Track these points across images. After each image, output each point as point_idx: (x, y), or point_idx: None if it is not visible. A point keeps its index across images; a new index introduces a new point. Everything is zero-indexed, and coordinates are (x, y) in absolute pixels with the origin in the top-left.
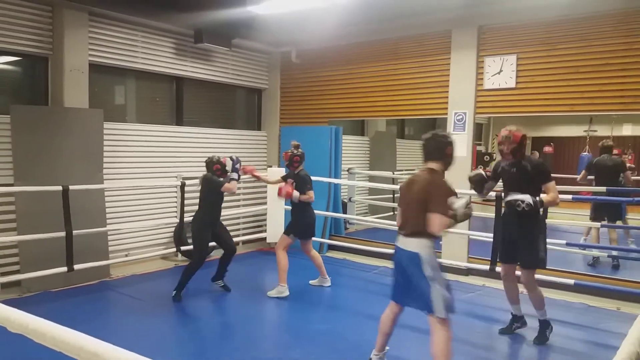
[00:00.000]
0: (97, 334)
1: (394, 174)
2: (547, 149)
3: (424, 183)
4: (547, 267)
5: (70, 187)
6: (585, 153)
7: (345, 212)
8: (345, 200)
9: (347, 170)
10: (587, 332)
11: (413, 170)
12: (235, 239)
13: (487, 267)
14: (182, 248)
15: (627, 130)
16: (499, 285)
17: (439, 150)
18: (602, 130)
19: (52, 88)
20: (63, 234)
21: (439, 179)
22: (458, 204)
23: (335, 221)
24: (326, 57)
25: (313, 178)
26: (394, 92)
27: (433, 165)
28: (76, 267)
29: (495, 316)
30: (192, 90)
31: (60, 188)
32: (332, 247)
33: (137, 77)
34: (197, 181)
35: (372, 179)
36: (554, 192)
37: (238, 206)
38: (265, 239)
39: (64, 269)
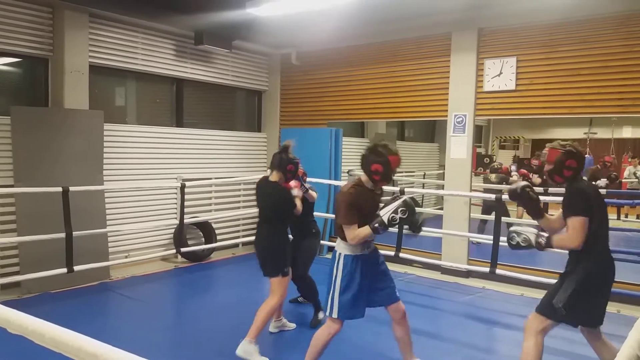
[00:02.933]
0: (97, 335)
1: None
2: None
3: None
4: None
5: (71, 189)
6: (586, 155)
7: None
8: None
9: (347, 172)
10: None
11: (413, 172)
12: (235, 241)
13: (487, 270)
14: (182, 250)
15: (627, 132)
16: (499, 287)
17: (366, 165)
18: (601, 133)
19: (53, 89)
20: (63, 235)
21: (346, 189)
22: (385, 210)
23: (335, 223)
24: (326, 59)
25: (314, 180)
26: (394, 94)
27: (362, 176)
28: (76, 268)
29: (495, 318)
30: (192, 92)
31: (60, 189)
32: (331, 249)
33: (137, 79)
34: (198, 182)
35: None
36: (572, 231)
37: (238, 207)
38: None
39: (64, 270)
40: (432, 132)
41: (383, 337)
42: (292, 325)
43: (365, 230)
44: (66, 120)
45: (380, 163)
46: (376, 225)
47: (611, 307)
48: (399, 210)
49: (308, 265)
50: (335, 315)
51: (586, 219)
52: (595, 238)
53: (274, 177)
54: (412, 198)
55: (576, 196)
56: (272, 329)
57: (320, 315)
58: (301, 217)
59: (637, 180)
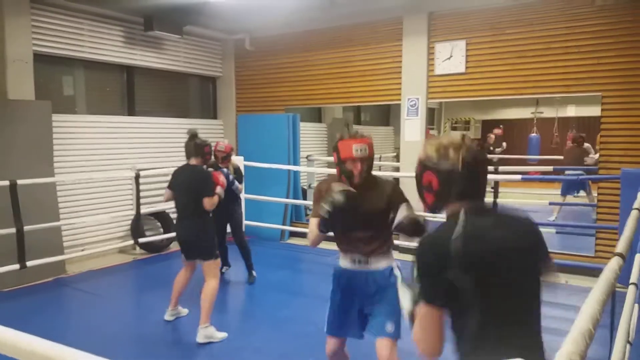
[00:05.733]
0: (52, 334)
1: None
2: (497, 131)
3: None
4: None
5: (19, 182)
6: (533, 134)
7: (305, 198)
8: (305, 187)
9: (306, 157)
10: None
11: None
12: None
13: None
14: (140, 241)
15: (571, 111)
16: None
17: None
18: (547, 112)
19: None
20: (13, 230)
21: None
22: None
23: (296, 208)
24: (281, 44)
25: (273, 166)
26: (349, 79)
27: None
28: (29, 263)
29: None
30: (144, 80)
31: (7, 183)
32: (293, 234)
33: (85, 67)
34: (153, 172)
35: (330, 165)
36: None
37: None
38: None
39: (16, 266)
40: (387, 115)
41: None
42: (186, 311)
43: (312, 225)
44: (11, 112)
45: (333, 150)
46: (321, 212)
47: (559, 278)
48: (330, 199)
49: (241, 230)
50: (325, 329)
51: None
52: None
53: (194, 162)
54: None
55: None
56: (168, 317)
57: (254, 273)
58: (227, 204)
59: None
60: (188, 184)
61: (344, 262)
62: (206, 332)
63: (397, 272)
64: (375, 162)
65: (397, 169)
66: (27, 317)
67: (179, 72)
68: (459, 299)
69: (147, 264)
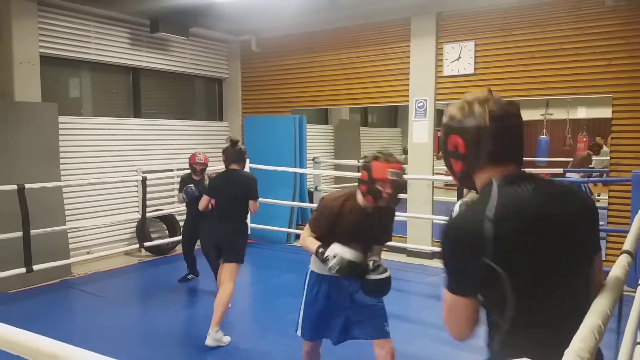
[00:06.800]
0: (58, 335)
1: (359, 161)
2: None
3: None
4: None
5: (26, 186)
6: (542, 136)
7: (312, 201)
8: (312, 190)
9: (312, 160)
10: None
11: None
12: None
13: None
14: (146, 244)
15: (582, 113)
16: None
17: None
18: (557, 114)
19: (1, 81)
20: (20, 234)
21: (336, 196)
22: (336, 249)
23: (302, 211)
24: (287, 46)
25: (279, 168)
26: (356, 80)
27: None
28: (35, 267)
29: None
30: (150, 81)
31: (15, 187)
32: (298, 237)
33: (91, 69)
34: (158, 175)
35: (337, 167)
36: None
37: None
38: None
39: (23, 270)
40: (394, 117)
41: None
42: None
43: (313, 243)
44: (18, 114)
45: (364, 169)
46: (320, 250)
47: None
48: (335, 260)
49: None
50: (298, 332)
51: None
52: None
53: (235, 167)
54: (358, 264)
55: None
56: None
57: (189, 276)
58: (201, 215)
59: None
60: (234, 188)
61: (324, 268)
62: (216, 336)
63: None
64: None
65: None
66: (33, 319)
67: (185, 73)
68: (492, 289)
69: (152, 266)
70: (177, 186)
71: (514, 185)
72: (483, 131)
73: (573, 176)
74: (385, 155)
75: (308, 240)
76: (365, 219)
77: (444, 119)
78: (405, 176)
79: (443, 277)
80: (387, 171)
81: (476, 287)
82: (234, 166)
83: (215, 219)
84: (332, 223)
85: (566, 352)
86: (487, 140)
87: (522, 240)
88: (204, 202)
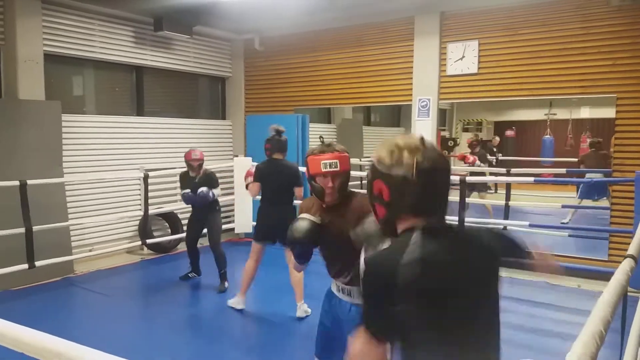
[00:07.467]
0: (61, 332)
1: (361, 160)
2: (509, 132)
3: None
4: None
5: (29, 182)
6: (547, 136)
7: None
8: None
9: None
10: (550, 309)
11: None
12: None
13: None
14: (148, 241)
15: (585, 112)
16: None
17: None
18: (561, 114)
19: (5, 79)
20: (22, 230)
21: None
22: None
23: None
24: (290, 45)
25: None
26: (360, 79)
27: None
28: (38, 263)
29: None
30: (153, 80)
31: (17, 183)
32: None
33: (95, 67)
34: (161, 172)
35: None
36: None
37: None
38: (233, 229)
39: (25, 266)
40: (397, 116)
41: None
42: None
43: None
44: (21, 112)
45: (305, 166)
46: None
47: (571, 282)
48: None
49: (219, 237)
50: (315, 349)
51: None
52: None
53: (279, 156)
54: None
55: None
56: (241, 305)
57: (225, 284)
58: (203, 210)
59: None
60: (280, 177)
61: (333, 286)
62: (303, 307)
63: None
64: None
65: None
66: (36, 316)
67: (188, 72)
68: (405, 334)
69: (155, 264)
70: (179, 184)
71: (434, 238)
72: (408, 184)
73: (595, 176)
74: (321, 146)
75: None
76: (328, 218)
77: (373, 159)
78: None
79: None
80: (320, 164)
81: (389, 331)
82: (277, 155)
83: (265, 205)
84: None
85: (568, 356)
86: (411, 192)
87: (432, 287)
88: (255, 189)
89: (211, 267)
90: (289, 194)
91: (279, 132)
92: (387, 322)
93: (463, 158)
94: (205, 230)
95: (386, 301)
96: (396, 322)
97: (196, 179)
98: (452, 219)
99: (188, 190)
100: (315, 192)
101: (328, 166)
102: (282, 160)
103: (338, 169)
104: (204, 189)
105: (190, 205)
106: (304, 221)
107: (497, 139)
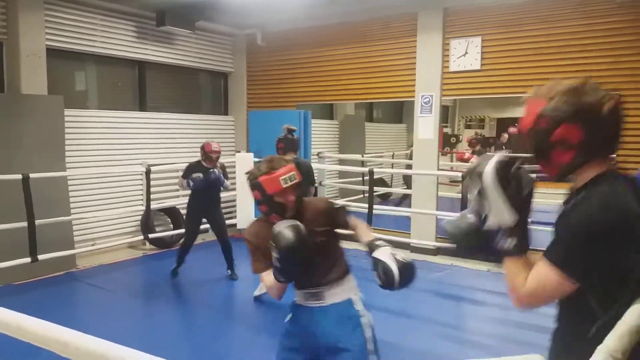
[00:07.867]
0: (64, 325)
1: (363, 156)
2: (512, 129)
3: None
4: None
5: (31, 176)
6: None
7: (316, 195)
8: (316, 184)
9: (317, 154)
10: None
11: (382, 153)
12: (204, 226)
13: (455, 246)
14: (150, 236)
15: None
16: (467, 264)
17: None
18: None
19: (8, 74)
20: (25, 224)
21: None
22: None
23: None
24: (293, 40)
25: None
26: (362, 75)
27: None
28: (40, 257)
29: (463, 294)
30: (156, 75)
31: (20, 177)
32: None
33: (97, 62)
34: (163, 167)
35: (341, 162)
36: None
37: None
38: (235, 225)
39: (28, 259)
40: (400, 113)
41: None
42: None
43: (269, 276)
44: (24, 106)
45: (253, 188)
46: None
47: None
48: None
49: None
50: None
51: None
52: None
53: (292, 156)
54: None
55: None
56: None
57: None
58: (207, 204)
59: None
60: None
61: (298, 297)
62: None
63: (357, 306)
64: (388, 160)
65: (409, 167)
66: (38, 310)
67: (191, 67)
68: (611, 281)
69: (157, 259)
70: (183, 173)
71: (620, 181)
72: (604, 120)
73: None
74: (267, 164)
75: (266, 281)
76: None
77: (545, 106)
78: (410, 172)
79: (447, 271)
80: (279, 180)
81: (590, 277)
82: (290, 154)
83: None
84: (259, 251)
85: (598, 349)
86: (606, 132)
87: None
88: None
89: (210, 263)
90: (305, 192)
91: (290, 131)
92: (595, 267)
93: (462, 156)
94: (207, 225)
95: (614, 248)
96: (614, 271)
97: (207, 171)
98: (453, 215)
99: (200, 174)
100: (274, 211)
101: (288, 180)
102: (296, 158)
103: (297, 179)
104: (215, 170)
105: (190, 199)
106: (287, 227)
107: (506, 135)
